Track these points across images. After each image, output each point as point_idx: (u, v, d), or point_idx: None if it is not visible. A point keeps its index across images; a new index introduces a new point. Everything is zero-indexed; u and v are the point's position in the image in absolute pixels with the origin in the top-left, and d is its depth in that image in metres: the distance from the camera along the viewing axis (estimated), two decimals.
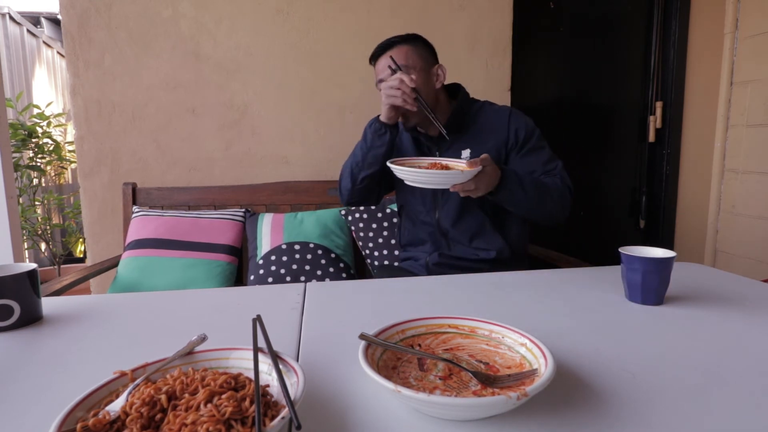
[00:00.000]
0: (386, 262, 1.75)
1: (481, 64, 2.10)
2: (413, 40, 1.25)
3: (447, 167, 1.10)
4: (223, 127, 2.00)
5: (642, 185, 2.52)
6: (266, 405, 0.46)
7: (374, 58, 1.28)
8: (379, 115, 1.21)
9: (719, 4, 2.33)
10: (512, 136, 1.25)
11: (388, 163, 1.09)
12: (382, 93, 1.16)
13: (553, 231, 2.23)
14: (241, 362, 0.56)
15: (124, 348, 0.72)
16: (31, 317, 0.81)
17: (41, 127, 3.07)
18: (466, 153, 1.26)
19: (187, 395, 0.47)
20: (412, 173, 1.04)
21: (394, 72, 1.19)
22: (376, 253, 1.78)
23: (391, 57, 1.22)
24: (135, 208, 1.82)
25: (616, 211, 2.56)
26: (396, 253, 1.72)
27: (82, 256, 3.38)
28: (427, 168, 1.09)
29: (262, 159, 2.04)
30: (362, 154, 1.24)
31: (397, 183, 1.36)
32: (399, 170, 1.06)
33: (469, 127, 1.27)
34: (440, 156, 1.29)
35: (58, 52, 3.99)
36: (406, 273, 1.35)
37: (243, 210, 1.85)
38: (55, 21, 4.22)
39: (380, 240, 1.78)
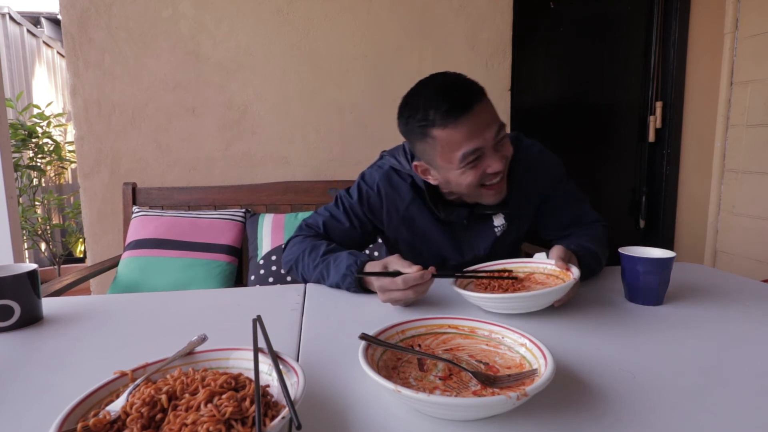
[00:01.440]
0: None
1: (481, 64, 2.10)
2: (481, 88, 0.90)
3: (511, 273, 0.91)
4: (223, 127, 2.00)
5: (642, 185, 2.52)
6: (266, 405, 0.46)
7: (466, 109, 0.84)
8: (359, 275, 0.89)
9: (719, 4, 2.33)
10: (548, 178, 1.07)
11: (461, 291, 0.83)
12: (380, 291, 0.84)
13: None
14: (241, 362, 0.56)
15: (124, 348, 0.72)
16: (31, 317, 0.81)
17: (41, 127, 3.08)
18: (499, 220, 1.05)
19: (187, 395, 0.47)
20: (512, 300, 0.79)
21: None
22: (376, 253, 1.78)
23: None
24: (135, 208, 1.82)
25: (616, 211, 2.56)
26: None
27: (82, 256, 3.37)
28: (490, 281, 0.89)
29: (262, 159, 2.04)
30: (325, 282, 0.98)
31: (394, 245, 1.13)
32: (492, 300, 0.80)
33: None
34: (467, 226, 1.06)
35: (58, 52, 3.99)
36: None
37: (243, 210, 1.85)
38: (55, 21, 4.22)
39: (380, 240, 1.78)
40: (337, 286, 0.95)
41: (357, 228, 1.08)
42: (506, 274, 0.90)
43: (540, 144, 1.10)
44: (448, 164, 0.90)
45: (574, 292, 0.84)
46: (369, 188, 1.08)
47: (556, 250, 0.87)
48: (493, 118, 0.88)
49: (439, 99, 0.85)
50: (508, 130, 0.97)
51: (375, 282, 0.86)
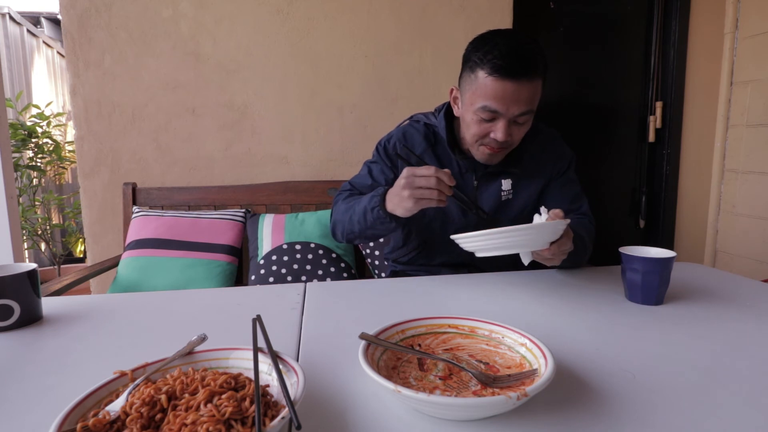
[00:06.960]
0: (386, 263, 1.75)
1: None
2: (544, 68, 0.96)
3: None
4: (223, 127, 2.00)
5: (642, 185, 2.52)
6: (266, 405, 0.46)
7: (513, 77, 0.91)
8: (383, 197, 0.95)
9: (719, 4, 2.33)
10: (558, 164, 1.15)
11: (455, 239, 0.90)
12: (406, 186, 0.88)
13: None
14: (241, 362, 0.56)
15: (124, 348, 0.71)
16: (31, 317, 0.81)
17: (41, 127, 3.07)
18: (507, 185, 1.11)
19: (187, 395, 0.47)
20: (499, 235, 0.81)
21: (405, 161, 0.99)
22: (377, 253, 1.78)
23: (401, 146, 1.06)
24: (135, 208, 1.82)
25: (616, 211, 2.56)
26: None
27: (82, 256, 3.38)
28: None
29: (262, 159, 2.04)
30: (359, 229, 1.02)
31: (417, 219, 1.09)
32: (475, 239, 0.83)
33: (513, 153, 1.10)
34: (478, 185, 1.13)
35: (58, 52, 3.99)
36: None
37: (243, 210, 1.85)
38: (55, 21, 4.22)
39: (381, 239, 1.78)
40: (364, 216, 0.99)
41: (381, 184, 1.13)
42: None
43: (557, 132, 1.20)
44: (470, 104, 0.98)
45: (562, 249, 0.87)
46: (387, 141, 1.16)
47: (554, 210, 0.89)
48: (528, 100, 0.94)
49: (504, 52, 0.91)
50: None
51: (404, 171, 0.89)
